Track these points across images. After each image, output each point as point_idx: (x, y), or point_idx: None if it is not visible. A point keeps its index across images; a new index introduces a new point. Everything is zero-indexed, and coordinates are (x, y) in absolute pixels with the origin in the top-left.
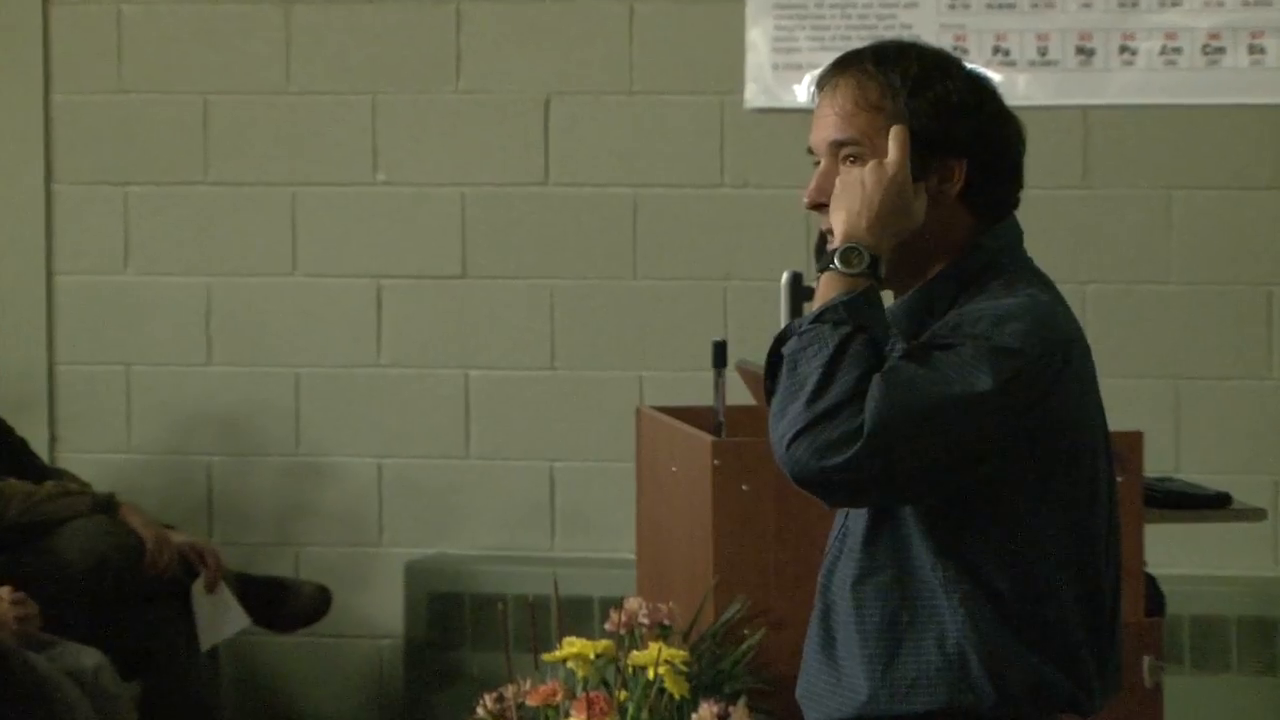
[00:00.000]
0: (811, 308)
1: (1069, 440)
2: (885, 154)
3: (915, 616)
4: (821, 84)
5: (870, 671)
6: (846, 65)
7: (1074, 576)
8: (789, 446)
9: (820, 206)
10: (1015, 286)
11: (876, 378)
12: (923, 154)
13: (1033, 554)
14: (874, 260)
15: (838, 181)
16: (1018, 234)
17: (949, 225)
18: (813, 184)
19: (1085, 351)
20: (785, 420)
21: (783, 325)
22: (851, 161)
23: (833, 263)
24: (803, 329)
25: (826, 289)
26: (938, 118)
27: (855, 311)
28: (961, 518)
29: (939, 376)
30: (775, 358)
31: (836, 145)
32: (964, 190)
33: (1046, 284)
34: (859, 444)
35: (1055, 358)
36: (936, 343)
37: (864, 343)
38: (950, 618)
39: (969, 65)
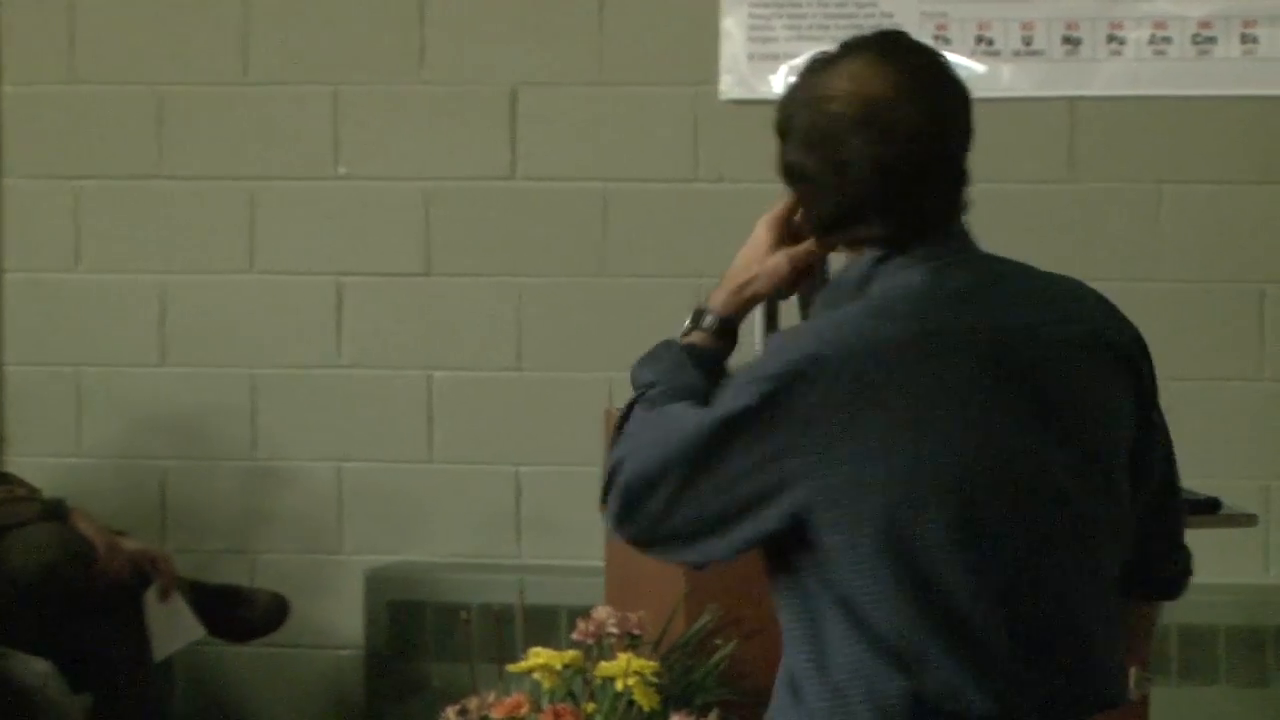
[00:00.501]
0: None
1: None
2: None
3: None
4: None
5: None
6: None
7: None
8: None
9: None
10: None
11: (635, 412)
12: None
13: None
14: (724, 321)
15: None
16: (898, 247)
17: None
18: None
19: (853, 371)
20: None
21: (756, 326)
22: None
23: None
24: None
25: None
26: (782, 150)
27: (646, 371)
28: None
29: (676, 414)
30: None
31: None
32: (811, 219)
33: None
34: (615, 495)
35: (789, 383)
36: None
37: (653, 397)
38: (804, 650)
39: (839, 83)
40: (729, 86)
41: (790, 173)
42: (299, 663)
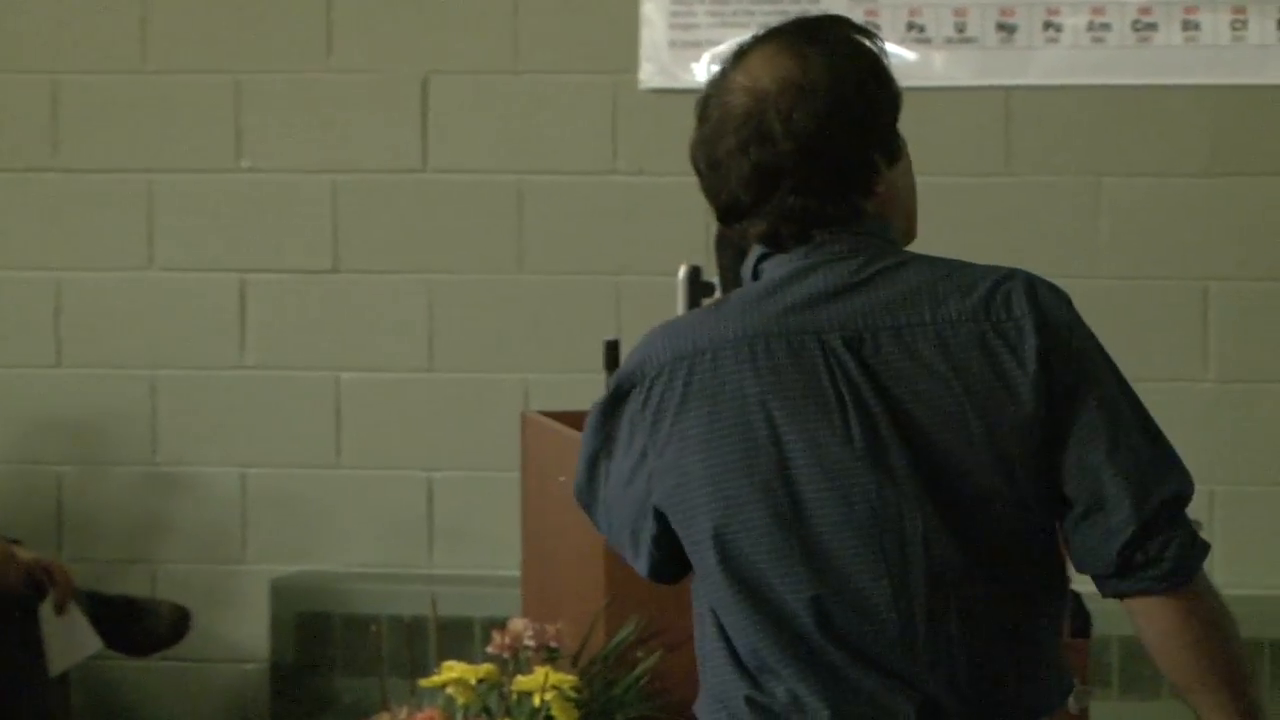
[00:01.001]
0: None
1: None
2: None
3: None
4: None
5: None
6: None
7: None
8: None
9: None
10: None
11: None
12: None
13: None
14: None
15: None
16: (756, 256)
17: None
18: None
19: (680, 374)
20: None
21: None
22: None
23: None
24: None
25: None
26: None
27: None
28: None
29: None
30: None
31: None
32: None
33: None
34: None
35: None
36: None
37: None
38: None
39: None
40: (649, 75)
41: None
42: (202, 677)
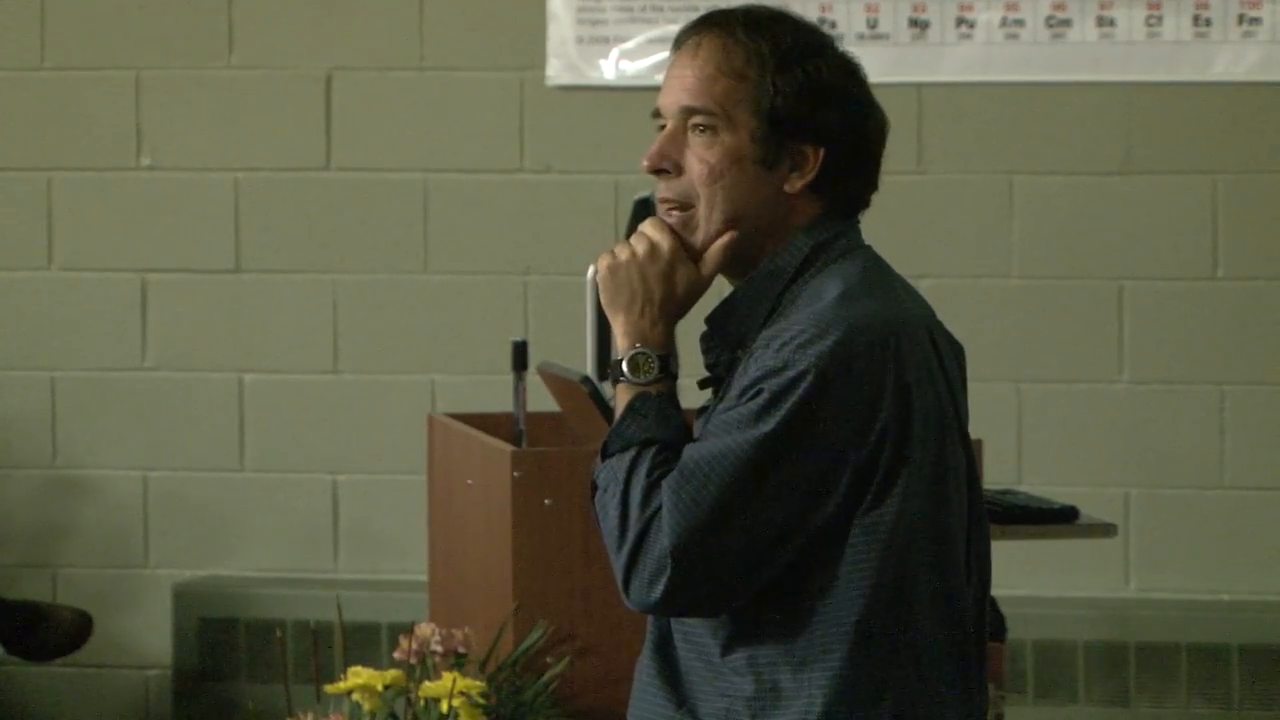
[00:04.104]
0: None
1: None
2: (740, 128)
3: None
4: (680, 41)
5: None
6: (712, 25)
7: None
8: (625, 593)
9: (661, 172)
10: (826, 286)
11: (665, 484)
12: (779, 137)
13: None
14: (664, 359)
15: (605, 276)
16: (842, 223)
17: (789, 215)
18: (655, 147)
19: (917, 339)
20: (616, 571)
21: (589, 322)
22: (700, 131)
23: (622, 374)
24: (596, 474)
25: (622, 401)
26: (803, 98)
27: (628, 427)
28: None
29: (721, 452)
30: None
31: (688, 111)
32: (815, 181)
33: (866, 274)
34: (670, 567)
35: (862, 362)
36: (729, 405)
37: (652, 457)
38: None
39: (841, 46)
40: (557, 72)
41: (817, 129)
42: (103, 683)
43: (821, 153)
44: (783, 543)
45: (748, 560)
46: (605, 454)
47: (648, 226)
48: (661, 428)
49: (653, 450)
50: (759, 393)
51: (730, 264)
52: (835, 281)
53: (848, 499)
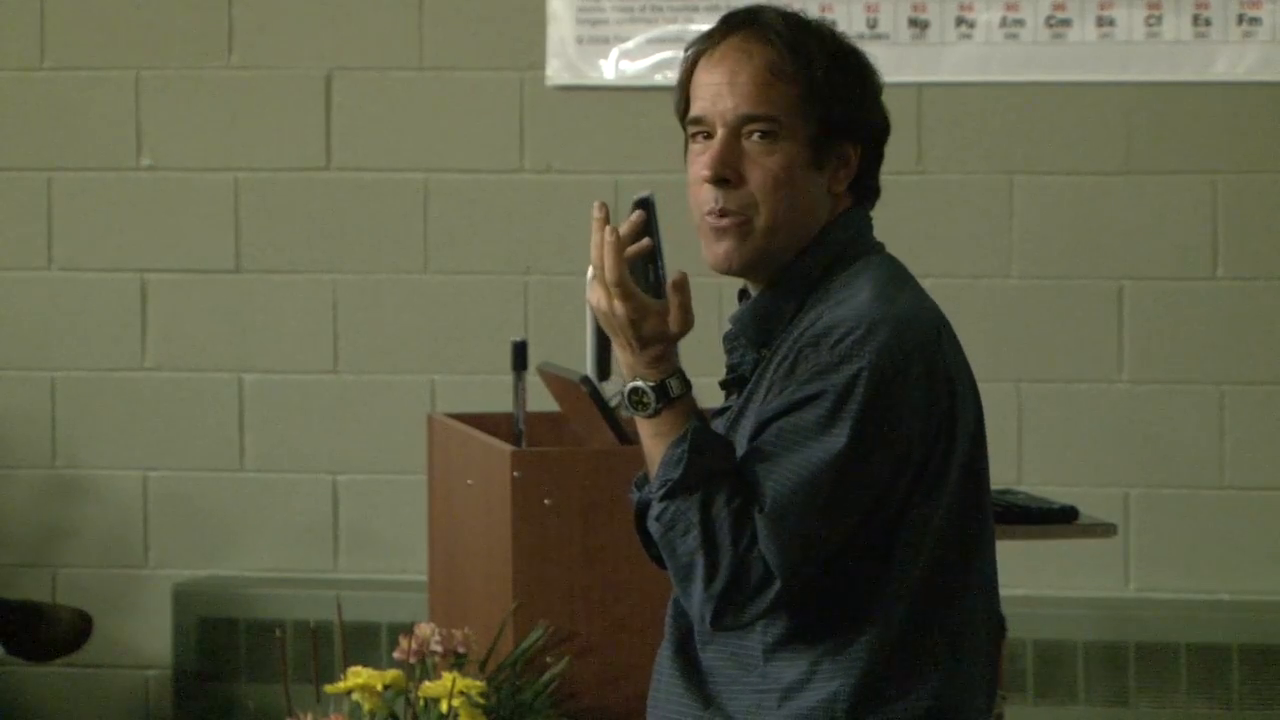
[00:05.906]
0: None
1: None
2: (796, 133)
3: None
4: (712, 45)
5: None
6: (748, 26)
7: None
8: (713, 624)
9: (723, 182)
10: (856, 283)
11: (759, 520)
12: (829, 139)
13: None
14: (662, 385)
15: (594, 308)
16: (864, 219)
17: (823, 215)
18: (716, 156)
19: (950, 336)
20: (695, 602)
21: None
22: (760, 138)
23: (627, 408)
24: (658, 513)
25: (647, 437)
26: (850, 99)
27: (694, 468)
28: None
29: (806, 480)
30: (642, 526)
31: (747, 119)
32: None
33: (893, 273)
34: (774, 587)
35: (916, 357)
36: (786, 408)
37: (725, 491)
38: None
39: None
40: (556, 72)
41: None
42: (103, 683)
43: (860, 150)
44: (854, 540)
45: (826, 562)
46: (669, 495)
47: (593, 297)
48: (716, 459)
49: (723, 484)
50: (819, 395)
51: (753, 267)
52: (866, 279)
53: (908, 494)
